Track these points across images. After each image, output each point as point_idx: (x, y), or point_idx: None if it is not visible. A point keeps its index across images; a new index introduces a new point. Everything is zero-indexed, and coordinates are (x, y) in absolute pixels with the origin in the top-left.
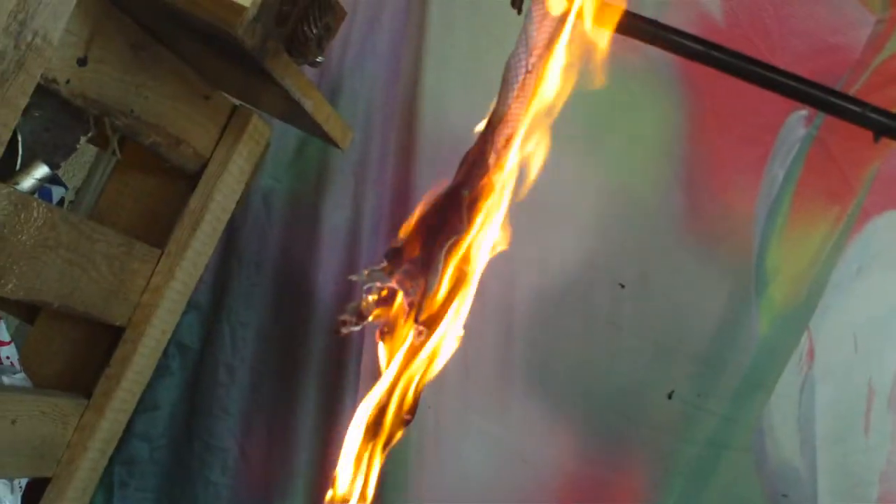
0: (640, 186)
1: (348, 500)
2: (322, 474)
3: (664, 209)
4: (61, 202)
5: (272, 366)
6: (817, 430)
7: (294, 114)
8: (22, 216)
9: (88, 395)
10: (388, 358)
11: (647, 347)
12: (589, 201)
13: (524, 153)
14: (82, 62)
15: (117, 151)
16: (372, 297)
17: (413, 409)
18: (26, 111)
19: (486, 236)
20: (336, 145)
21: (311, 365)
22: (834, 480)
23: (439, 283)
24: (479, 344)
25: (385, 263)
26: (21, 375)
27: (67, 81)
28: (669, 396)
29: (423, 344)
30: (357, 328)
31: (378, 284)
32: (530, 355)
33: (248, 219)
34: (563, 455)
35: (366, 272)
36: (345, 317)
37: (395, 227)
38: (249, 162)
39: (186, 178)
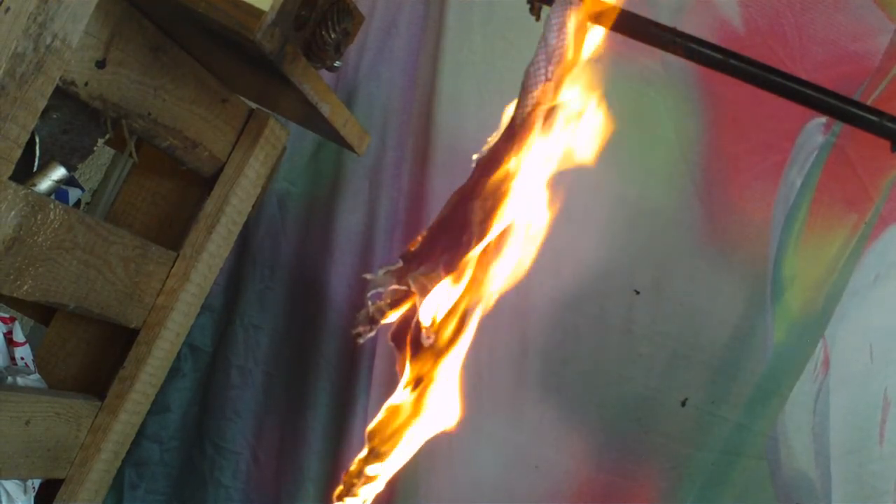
0: (657, 193)
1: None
2: (333, 479)
3: (680, 216)
4: (77, 204)
5: (284, 369)
6: (832, 439)
7: (311, 118)
8: (38, 218)
9: (102, 397)
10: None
11: (662, 354)
12: (604, 207)
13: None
14: (101, 64)
15: (134, 154)
16: (383, 301)
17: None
18: (44, 113)
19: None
20: (353, 150)
21: (323, 368)
22: (848, 490)
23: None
24: (492, 349)
25: (400, 264)
26: (36, 376)
27: (86, 84)
28: (683, 403)
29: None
30: (372, 333)
31: (382, 290)
32: (544, 361)
33: (262, 222)
34: (577, 462)
35: (381, 271)
36: (358, 329)
37: (410, 231)
38: (266, 166)
39: (202, 182)
